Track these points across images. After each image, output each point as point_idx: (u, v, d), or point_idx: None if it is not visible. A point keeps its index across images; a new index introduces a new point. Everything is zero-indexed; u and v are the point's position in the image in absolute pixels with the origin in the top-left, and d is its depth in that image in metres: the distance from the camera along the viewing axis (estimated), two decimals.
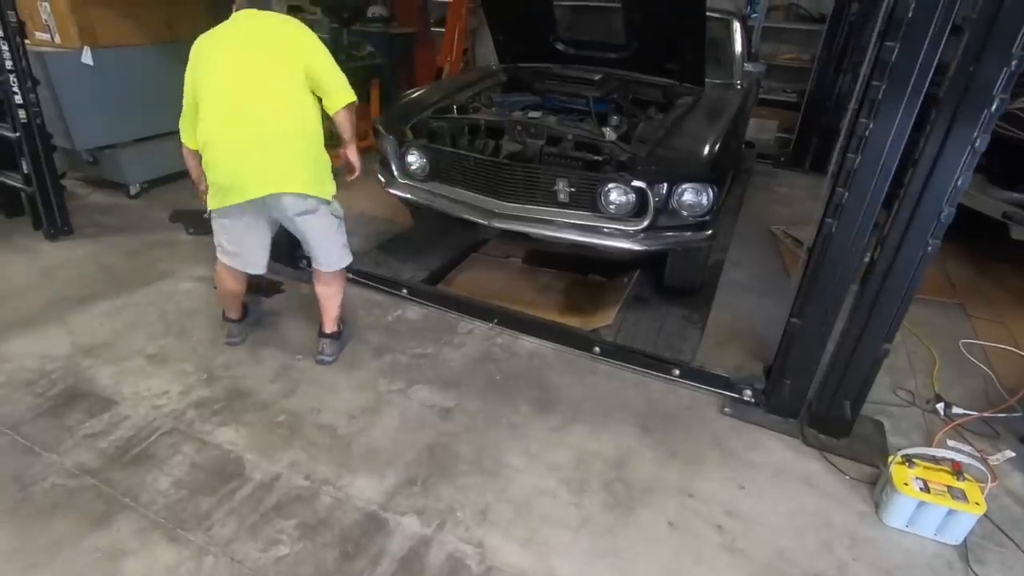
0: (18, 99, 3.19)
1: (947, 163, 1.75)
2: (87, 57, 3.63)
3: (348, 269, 2.53)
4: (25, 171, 3.33)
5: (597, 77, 2.89)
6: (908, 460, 1.94)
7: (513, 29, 3.21)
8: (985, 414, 2.40)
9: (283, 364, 2.53)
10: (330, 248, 2.38)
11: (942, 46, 1.67)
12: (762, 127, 6.16)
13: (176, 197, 4.07)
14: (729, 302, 3.18)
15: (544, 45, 3.20)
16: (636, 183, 2.31)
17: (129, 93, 3.85)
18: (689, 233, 2.50)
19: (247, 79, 2.13)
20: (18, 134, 3.23)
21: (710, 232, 2.51)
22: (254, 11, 2.19)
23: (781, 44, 6.29)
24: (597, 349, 2.63)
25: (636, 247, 2.41)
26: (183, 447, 2.08)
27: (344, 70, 2.19)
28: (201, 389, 2.36)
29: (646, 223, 2.40)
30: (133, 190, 4.07)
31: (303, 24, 2.22)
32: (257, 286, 2.84)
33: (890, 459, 1.97)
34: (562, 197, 2.49)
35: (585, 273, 3.29)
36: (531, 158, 2.50)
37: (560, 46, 3.20)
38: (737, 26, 3.65)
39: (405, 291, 2.98)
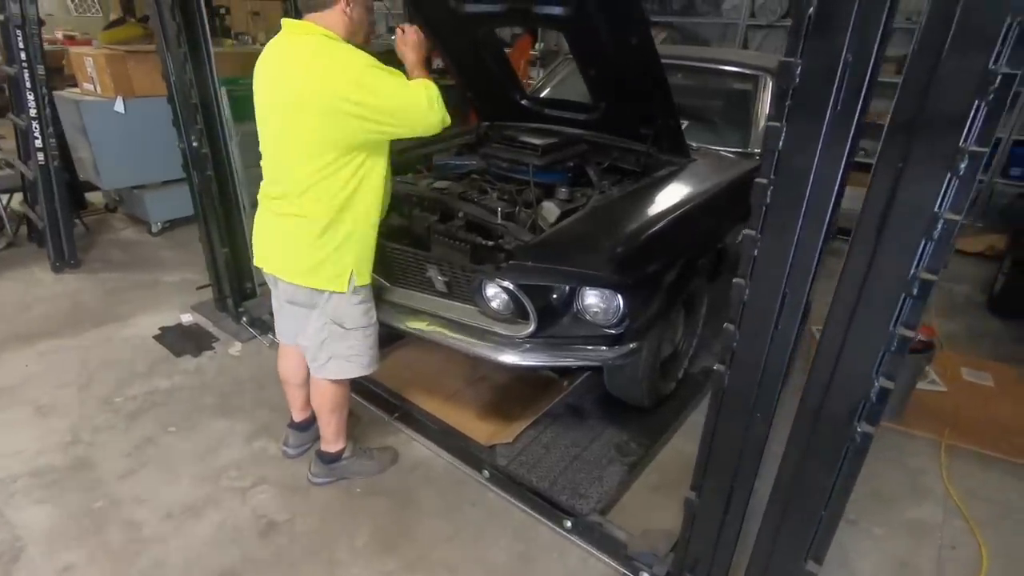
0: (38, 143, 3.48)
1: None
2: (119, 106, 3.91)
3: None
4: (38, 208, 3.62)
5: (548, 141, 2.42)
6: None
7: (480, 85, 2.87)
8: None
9: (149, 436, 2.34)
10: (316, 352, 1.87)
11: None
12: (853, 196, 5.15)
13: (193, 236, 4.22)
14: None
15: (512, 103, 2.82)
16: (501, 282, 1.81)
17: (157, 139, 4.04)
18: (603, 348, 1.91)
19: (275, 128, 1.69)
20: (34, 175, 3.52)
21: (631, 347, 1.91)
22: (294, 23, 1.61)
23: (893, 100, 5.30)
24: (486, 473, 2.13)
25: (520, 361, 1.88)
26: None
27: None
28: (53, 454, 2.24)
29: (530, 329, 1.88)
30: (155, 228, 4.30)
31: (341, 60, 1.54)
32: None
33: None
34: (438, 286, 2.05)
35: None
36: (420, 236, 2.11)
37: (526, 103, 2.79)
38: (769, 85, 2.97)
39: None
